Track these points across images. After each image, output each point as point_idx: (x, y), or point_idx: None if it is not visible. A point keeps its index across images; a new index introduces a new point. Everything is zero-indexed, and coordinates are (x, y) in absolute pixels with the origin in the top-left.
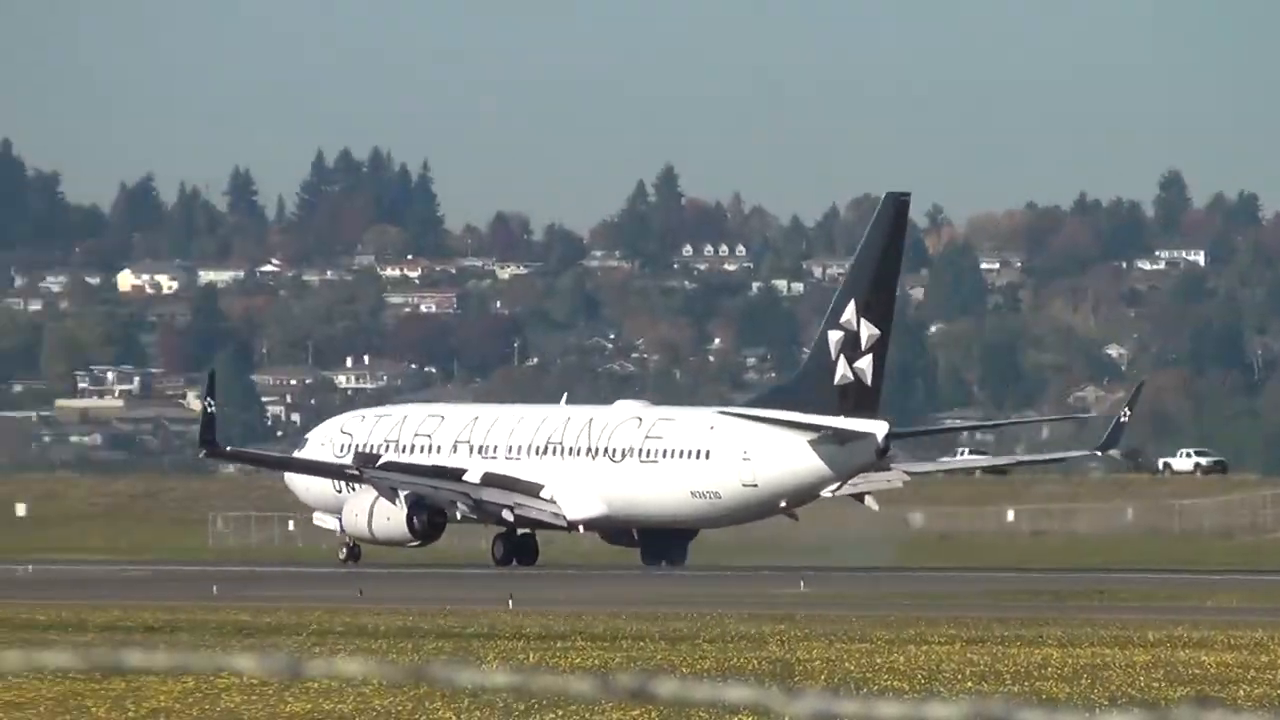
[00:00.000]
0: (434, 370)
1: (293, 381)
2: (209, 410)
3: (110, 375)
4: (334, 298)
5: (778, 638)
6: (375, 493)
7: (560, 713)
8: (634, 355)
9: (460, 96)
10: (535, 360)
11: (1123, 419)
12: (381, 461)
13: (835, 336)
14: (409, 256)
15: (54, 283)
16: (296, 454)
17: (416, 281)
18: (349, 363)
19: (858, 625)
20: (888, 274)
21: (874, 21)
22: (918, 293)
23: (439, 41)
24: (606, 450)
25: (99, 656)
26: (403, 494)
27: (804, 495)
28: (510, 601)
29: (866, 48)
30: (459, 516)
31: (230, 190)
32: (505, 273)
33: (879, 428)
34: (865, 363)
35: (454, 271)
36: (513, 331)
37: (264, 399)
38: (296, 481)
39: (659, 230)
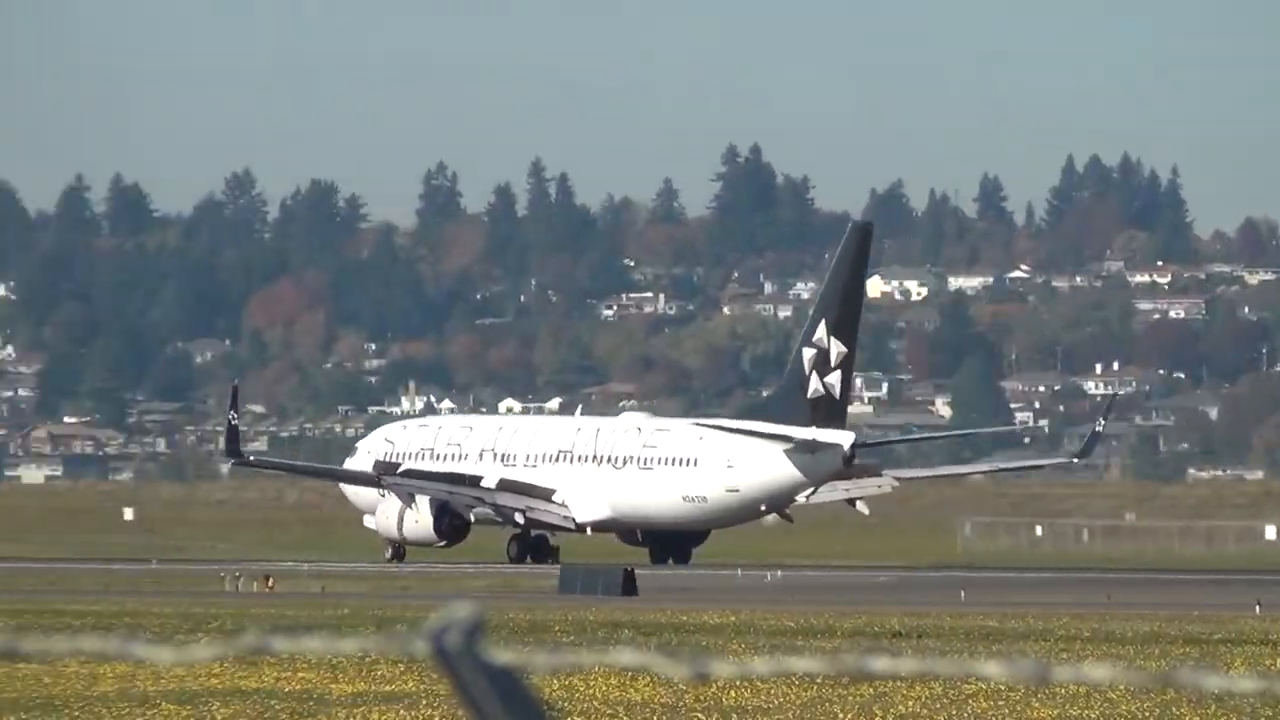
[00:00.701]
0: (1182, 376)
1: (1040, 388)
2: (233, 423)
3: (858, 381)
4: (1082, 303)
5: None
6: (407, 499)
7: None
8: None
9: (1209, 102)
10: None
11: (1098, 429)
12: (403, 468)
13: (809, 354)
14: (1158, 263)
15: (804, 289)
16: (348, 462)
17: (1165, 287)
18: (1098, 369)
19: None
20: (854, 296)
21: None
22: None
23: (1201, 50)
24: (610, 458)
25: (846, 662)
26: (426, 499)
27: (782, 500)
28: (1258, 607)
29: None
30: (473, 519)
31: (980, 197)
32: (1254, 278)
33: (845, 438)
34: (834, 378)
35: (1203, 277)
36: (1260, 338)
37: (1012, 405)
38: (348, 489)
39: None
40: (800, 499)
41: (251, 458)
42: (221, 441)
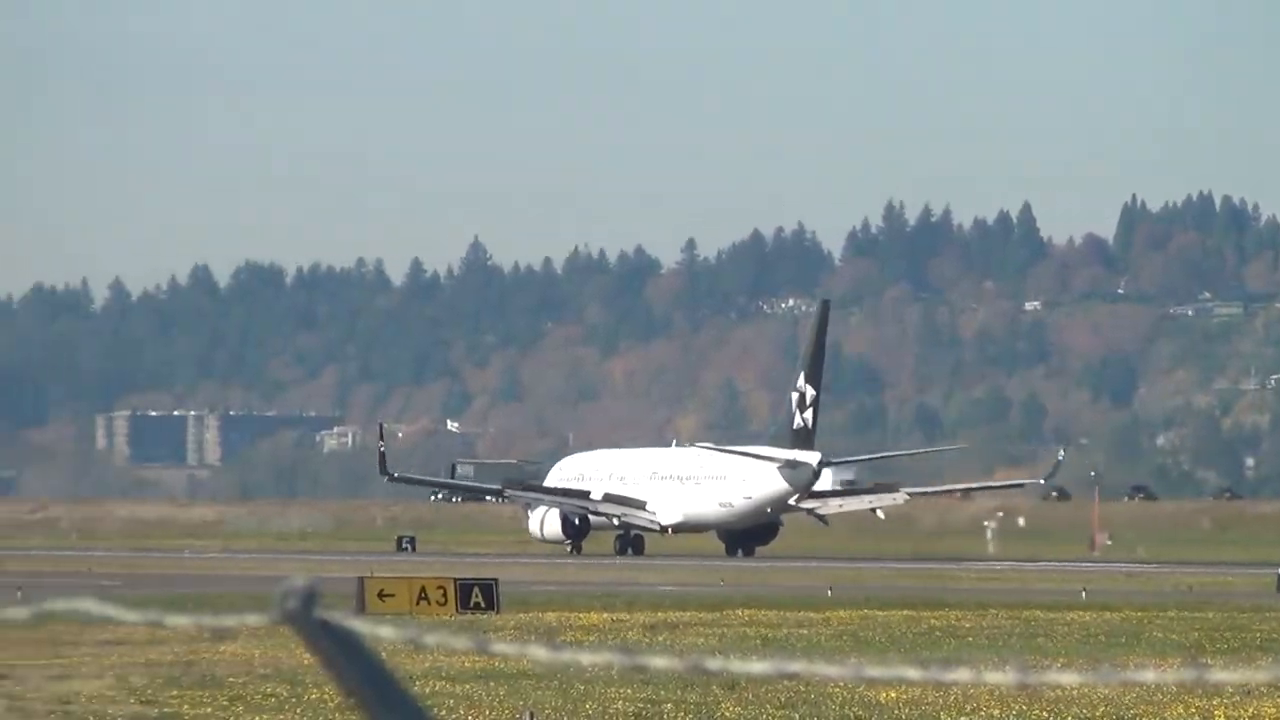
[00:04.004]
0: None
1: None
2: (381, 450)
3: None
4: None
5: None
6: (545, 509)
7: None
8: None
9: None
10: None
11: (1060, 457)
12: (524, 483)
13: (794, 397)
14: None
15: None
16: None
17: None
18: None
19: None
20: (820, 354)
21: None
22: None
23: None
24: (679, 476)
25: None
26: (557, 509)
27: (779, 504)
28: None
29: None
30: (578, 522)
31: None
32: None
33: (814, 458)
34: (808, 414)
35: None
36: None
37: None
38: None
39: None
40: (791, 502)
41: (397, 474)
42: None
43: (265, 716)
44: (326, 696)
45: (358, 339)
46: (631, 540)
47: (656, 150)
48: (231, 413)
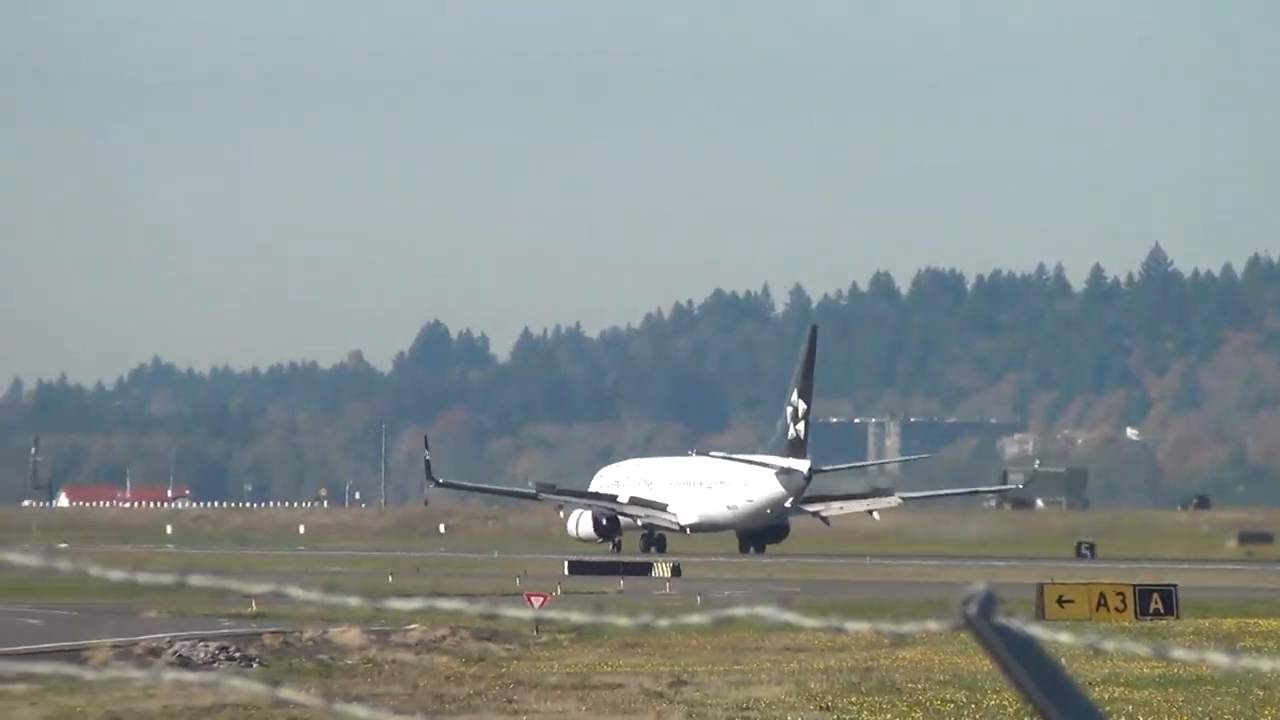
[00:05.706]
0: None
1: None
2: (426, 459)
3: None
4: None
5: None
6: (579, 511)
7: None
8: None
9: None
10: None
11: (1037, 465)
12: (558, 487)
13: (789, 411)
14: None
15: None
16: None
17: None
18: None
19: None
20: (810, 373)
21: None
22: None
23: None
24: (695, 482)
25: None
26: (589, 511)
27: (778, 507)
28: None
29: None
30: (605, 522)
31: None
32: None
33: (804, 465)
34: (800, 426)
35: None
36: None
37: None
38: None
39: None
40: (787, 504)
41: (441, 480)
42: None
43: None
44: (1005, 703)
45: (1038, 345)
46: (655, 539)
47: None
48: (912, 419)
